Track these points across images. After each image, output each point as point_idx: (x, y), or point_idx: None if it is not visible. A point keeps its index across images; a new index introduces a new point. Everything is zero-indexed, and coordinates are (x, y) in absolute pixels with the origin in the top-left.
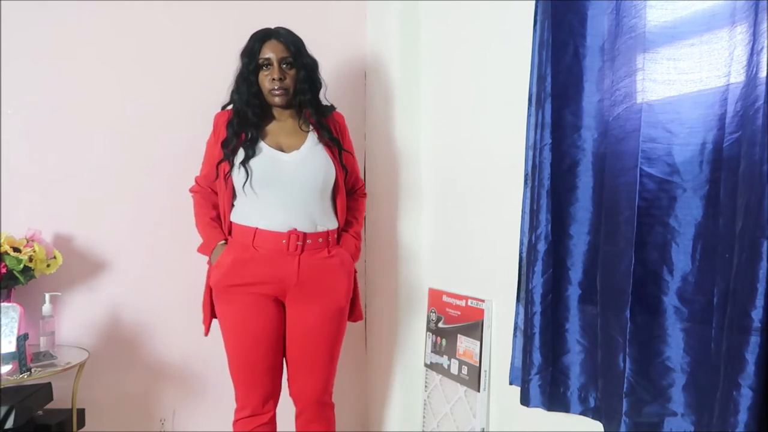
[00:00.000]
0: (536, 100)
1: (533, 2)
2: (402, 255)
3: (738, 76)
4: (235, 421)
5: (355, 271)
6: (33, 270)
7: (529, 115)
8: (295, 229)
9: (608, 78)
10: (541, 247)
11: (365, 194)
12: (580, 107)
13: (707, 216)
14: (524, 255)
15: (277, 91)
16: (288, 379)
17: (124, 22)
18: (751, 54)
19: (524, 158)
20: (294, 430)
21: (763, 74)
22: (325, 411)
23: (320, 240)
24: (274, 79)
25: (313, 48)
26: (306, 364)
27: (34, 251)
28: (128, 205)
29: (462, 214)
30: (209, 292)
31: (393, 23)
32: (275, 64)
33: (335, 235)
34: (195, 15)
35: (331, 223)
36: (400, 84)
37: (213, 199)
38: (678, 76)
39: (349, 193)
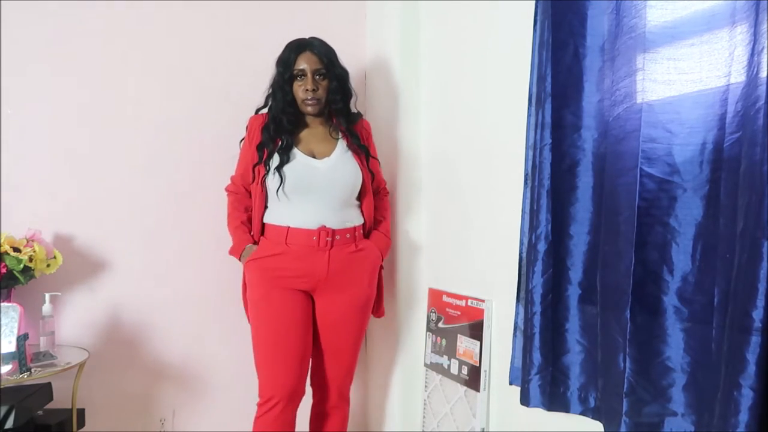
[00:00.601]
0: (536, 100)
1: (533, 2)
2: (402, 255)
3: (738, 76)
4: (257, 417)
5: (382, 267)
6: (33, 270)
7: (529, 115)
8: (324, 226)
9: (608, 78)
10: (541, 247)
11: (388, 193)
12: (580, 107)
13: (707, 216)
14: (524, 255)
15: (310, 101)
16: (313, 369)
17: (125, 21)
18: (752, 54)
19: (524, 158)
20: (307, 428)
21: (763, 74)
22: (343, 404)
23: (348, 236)
24: (307, 90)
25: None
26: (335, 351)
27: (34, 251)
28: (128, 205)
29: (462, 214)
30: (245, 288)
31: (393, 23)
32: (309, 75)
33: (362, 230)
34: (196, 15)
35: (357, 220)
36: (400, 84)
37: (246, 202)
38: (678, 76)
39: (374, 193)
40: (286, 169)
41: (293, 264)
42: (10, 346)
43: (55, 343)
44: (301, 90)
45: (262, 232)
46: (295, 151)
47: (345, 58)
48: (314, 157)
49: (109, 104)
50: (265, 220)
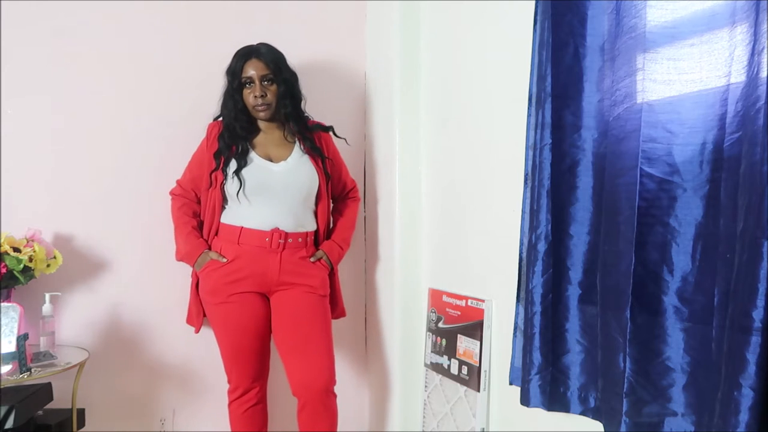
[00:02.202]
0: (536, 100)
1: (533, 2)
2: (402, 255)
3: (738, 76)
4: (230, 403)
5: (334, 270)
6: (33, 270)
7: (529, 115)
8: (278, 228)
9: (608, 78)
10: (541, 247)
11: (357, 198)
12: (580, 107)
13: (707, 216)
14: (524, 255)
15: (260, 107)
16: (288, 374)
17: (125, 22)
18: (752, 54)
19: (524, 158)
20: (296, 426)
21: (763, 74)
22: (330, 400)
23: (300, 240)
24: (256, 96)
25: (313, 49)
26: (299, 346)
27: (34, 251)
28: (128, 205)
29: (462, 214)
30: (195, 292)
31: (393, 23)
32: (257, 81)
33: (313, 237)
34: (195, 15)
35: (310, 226)
36: (400, 84)
37: (194, 207)
38: (678, 76)
39: (338, 198)
40: (244, 172)
41: (245, 264)
42: (10, 346)
43: (55, 343)
44: (250, 97)
45: (217, 233)
46: (252, 155)
47: (345, 58)
48: (271, 160)
49: (109, 104)
50: (222, 220)
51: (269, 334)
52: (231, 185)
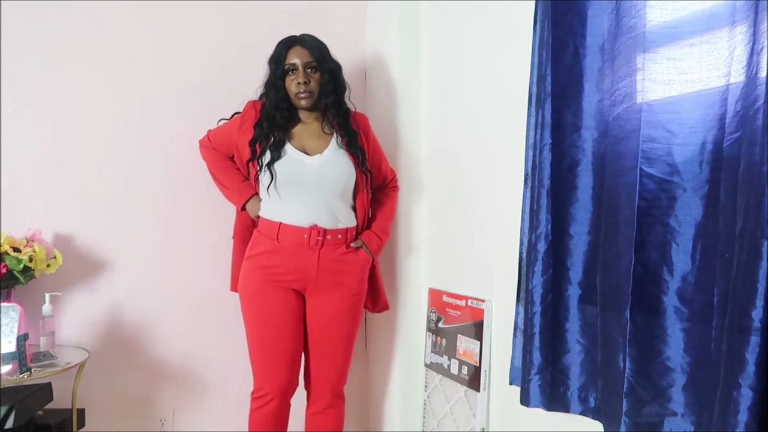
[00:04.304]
0: (536, 100)
1: (533, 2)
2: (402, 255)
3: (738, 76)
4: (252, 411)
5: (375, 263)
6: (33, 270)
7: (529, 115)
8: (316, 225)
9: (608, 78)
10: (541, 247)
11: (396, 187)
12: (580, 107)
13: (707, 216)
14: (524, 255)
15: (302, 94)
16: (306, 369)
17: (126, 22)
18: (751, 54)
19: (524, 158)
20: (303, 426)
21: (763, 74)
22: (338, 402)
23: (339, 237)
24: (299, 83)
25: None
26: (326, 351)
27: (34, 251)
28: (128, 205)
29: (462, 213)
30: (238, 254)
31: (393, 23)
32: (300, 68)
33: (354, 233)
34: (196, 15)
35: (350, 221)
36: (400, 84)
37: (226, 158)
38: (678, 76)
39: (378, 189)
40: (277, 165)
41: (284, 260)
42: (10, 346)
43: (55, 343)
44: (293, 84)
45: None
46: (287, 146)
47: (345, 58)
48: (306, 153)
49: (110, 104)
50: (260, 213)
51: (302, 338)
52: (263, 178)
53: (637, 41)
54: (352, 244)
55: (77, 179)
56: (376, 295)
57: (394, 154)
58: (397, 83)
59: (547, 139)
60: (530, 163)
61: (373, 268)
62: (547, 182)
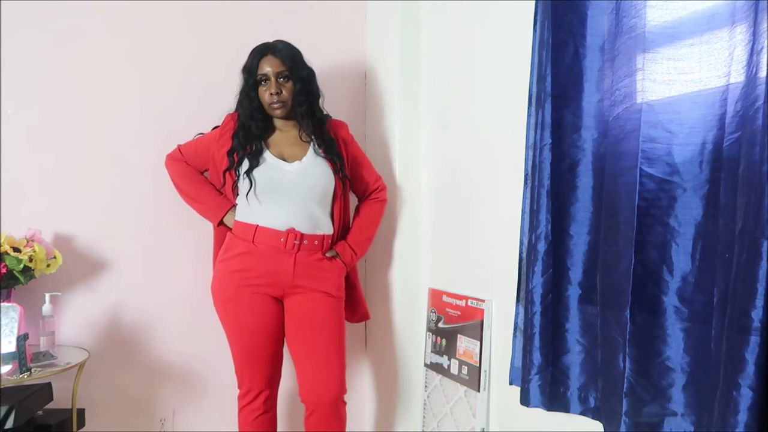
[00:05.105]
0: (536, 100)
1: (533, 2)
2: (402, 255)
3: (738, 76)
4: (240, 409)
5: (353, 270)
6: (33, 270)
7: (529, 115)
8: (293, 229)
9: (608, 78)
10: (541, 247)
11: (380, 199)
12: (580, 107)
13: (707, 216)
14: (524, 255)
15: (275, 104)
16: (299, 379)
17: (126, 22)
18: (751, 54)
19: (524, 158)
20: (303, 429)
21: (763, 74)
22: (340, 409)
23: (316, 243)
24: (271, 93)
25: (313, 49)
26: (318, 355)
27: (34, 251)
28: (128, 205)
29: (462, 214)
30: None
31: (393, 23)
32: (272, 78)
33: (330, 241)
34: (195, 16)
35: (327, 229)
36: (400, 84)
37: (197, 173)
38: (678, 76)
39: (361, 198)
40: (255, 172)
41: (259, 264)
42: (10, 346)
43: (55, 343)
44: (266, 94)
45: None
46: (266, 154)
47: (345, 58)
48: (285, 160)
49: (110, 104)
50: (236, 217)
51: (282, 338)
52: (242, 185)
53: (637, 41)
54: (327, 254)
55: (77, 179)
56: (355, 305)
57: (394, 155)
58: (397, 83)
59: (547, 139)
60: (530, 163)
61: (348, 277)
62: (547, 182)
